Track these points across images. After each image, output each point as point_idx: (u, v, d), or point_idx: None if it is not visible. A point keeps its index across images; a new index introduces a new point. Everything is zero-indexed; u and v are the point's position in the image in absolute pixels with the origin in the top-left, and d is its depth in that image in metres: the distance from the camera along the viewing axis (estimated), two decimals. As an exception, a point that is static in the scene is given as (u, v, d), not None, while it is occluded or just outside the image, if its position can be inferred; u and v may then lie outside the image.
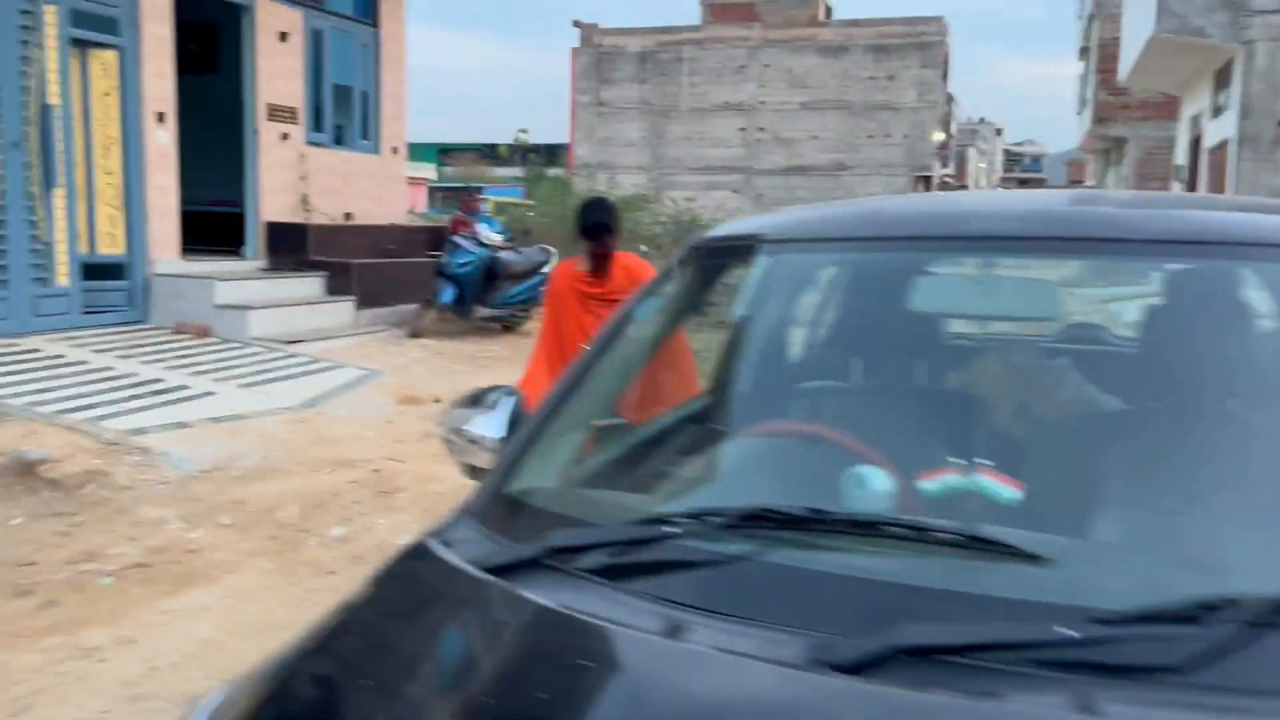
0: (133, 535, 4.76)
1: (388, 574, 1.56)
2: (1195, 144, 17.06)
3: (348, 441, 6.35)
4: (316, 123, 10.37)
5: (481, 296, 9.76)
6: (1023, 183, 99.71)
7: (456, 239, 9.56)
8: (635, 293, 2.10)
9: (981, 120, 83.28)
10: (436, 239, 11.23)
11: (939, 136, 50.32)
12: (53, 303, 7.63)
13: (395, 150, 11.42)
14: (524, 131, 63.60)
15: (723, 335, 2.17)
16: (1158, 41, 14.43)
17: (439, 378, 8.19)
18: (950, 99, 55.38)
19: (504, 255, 9.77)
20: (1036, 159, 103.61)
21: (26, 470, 5.24)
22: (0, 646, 3.61)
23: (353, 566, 4.56)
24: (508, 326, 10.30)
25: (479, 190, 11.42)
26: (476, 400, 2.08)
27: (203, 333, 8.20)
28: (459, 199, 10.52)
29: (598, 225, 4.28)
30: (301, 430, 6.39)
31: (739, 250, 2.01)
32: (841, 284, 2.24)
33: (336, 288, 9.37)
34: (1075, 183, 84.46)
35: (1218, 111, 15.26)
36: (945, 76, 49.69)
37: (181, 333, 8.16)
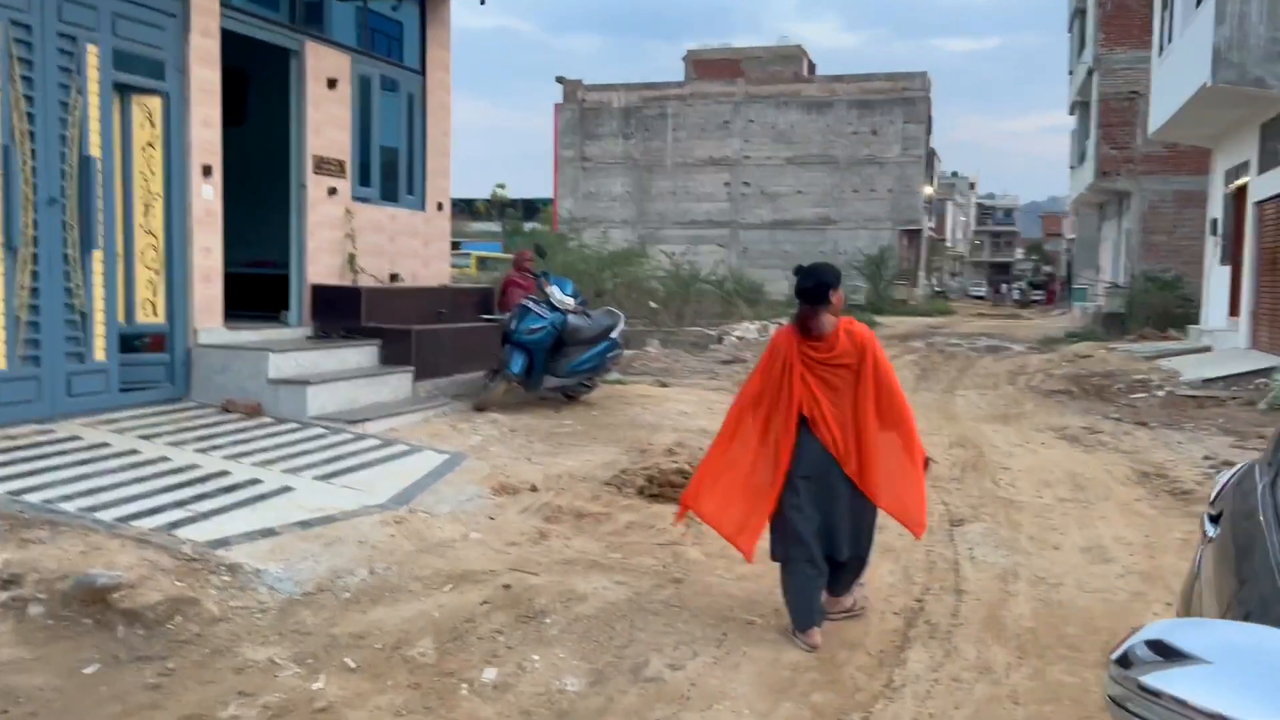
0: (242, 688, 3.79)
1: None
2: (1238, 197, 16.64)
3: (458, 547, 5.41)
4: (362, 176, 9.49)
5: (549, 365, 8.83)
6: (996, 235, 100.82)
7: (527, 303, 8.62)
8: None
9: (955, 174, 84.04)
10: (486, 301, 10.36)
11: (928, 190, 50.43)
12: (88, 380, 6.65)
13: (440, 207, 10.54)
14: (501, 186, 63.19)
15: None
16: (1209, 92, 14.02)
17: (523, 460, 7.27)
18: (933, 154, 55.65)
19: (574, 319, 8.85)
20: (1009, 212, 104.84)
21: (95, 599, 4.25)
22: None
23: (528, 728, 3.62)
24: (570, 396, 9.37)
25: (538, 248, 10.55)
26: (1165, 647, 1.21)
27: (254, 411, 7.23)
28: (514, 258, 9.63)
29: (819, 288, 4.23)
30: (401, 534, 5.44)
31: None
32: None
33: (392, 357, 8.43)
34: (1051, 235, 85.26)
35: (1268, 164, 14.84)
36: (929, 131, 50.04)
37: (230, 411, 7.19)
